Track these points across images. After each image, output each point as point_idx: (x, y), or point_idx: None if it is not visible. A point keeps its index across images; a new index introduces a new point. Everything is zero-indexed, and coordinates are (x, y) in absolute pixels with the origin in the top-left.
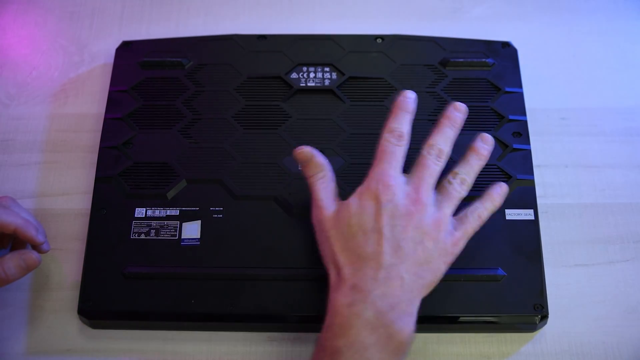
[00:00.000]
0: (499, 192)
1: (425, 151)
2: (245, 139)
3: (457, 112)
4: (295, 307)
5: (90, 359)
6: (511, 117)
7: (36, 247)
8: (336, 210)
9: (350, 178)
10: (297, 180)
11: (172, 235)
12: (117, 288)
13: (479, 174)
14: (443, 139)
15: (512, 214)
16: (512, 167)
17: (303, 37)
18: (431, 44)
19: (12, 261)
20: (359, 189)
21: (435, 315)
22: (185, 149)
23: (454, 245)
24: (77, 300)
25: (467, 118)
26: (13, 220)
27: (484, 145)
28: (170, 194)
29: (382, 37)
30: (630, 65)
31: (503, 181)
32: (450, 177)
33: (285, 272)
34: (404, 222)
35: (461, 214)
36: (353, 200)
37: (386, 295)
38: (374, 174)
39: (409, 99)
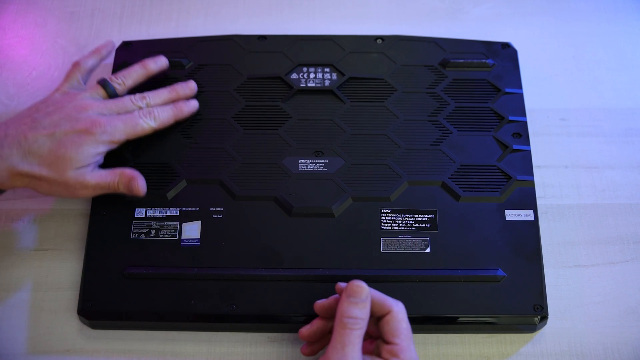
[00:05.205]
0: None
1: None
2: (245, 139)
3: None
4: (295, 307)
5: (90, 359)
6: (511, 117)
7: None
8: None
9: (351, 178)
10: (297, 180)
11: (172, 236)
12: (117, 288)
13: (482, 175)
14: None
15: (511, 215)
16: (512, 167)
17: (303, 38)
18: (431, 44)
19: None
20: None
21: (435, 315)
22: (185, 149)
23: None
24: (77, 300)
25: (468, 119)
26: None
27: None
28: (170, 194)
29: (383, 37)
30: (630, 66)
31: (503, 182)
32: None
33: (285, 273)
34: None
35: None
36: None
37: None
38: None
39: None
